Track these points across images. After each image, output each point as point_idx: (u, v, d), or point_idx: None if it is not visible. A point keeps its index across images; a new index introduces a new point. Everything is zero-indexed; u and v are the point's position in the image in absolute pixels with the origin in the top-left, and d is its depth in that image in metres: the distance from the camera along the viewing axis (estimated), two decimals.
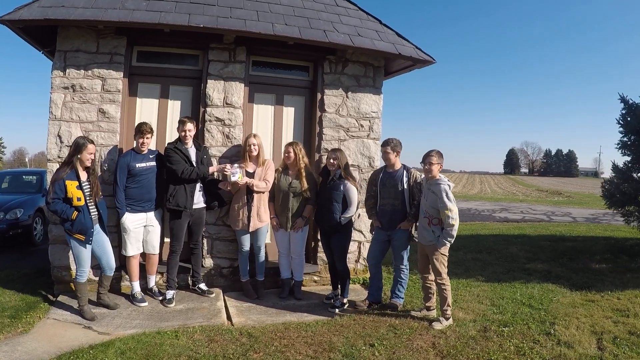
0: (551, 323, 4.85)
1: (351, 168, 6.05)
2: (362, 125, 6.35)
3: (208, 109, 5.78)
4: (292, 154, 5.38)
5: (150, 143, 5.28)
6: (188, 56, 6.01)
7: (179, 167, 5.09)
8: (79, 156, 4.60)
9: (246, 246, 5.49)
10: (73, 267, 5.10)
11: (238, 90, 5.86)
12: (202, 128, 5.77)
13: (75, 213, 4.53)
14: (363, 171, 6.33)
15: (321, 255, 6.12)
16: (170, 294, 5.27)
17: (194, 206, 5.31)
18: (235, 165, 5.24)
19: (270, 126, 6.32)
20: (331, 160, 5.25)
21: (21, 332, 4.31)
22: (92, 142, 4.73)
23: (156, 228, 5.30)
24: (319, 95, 6.21)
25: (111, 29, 5.48)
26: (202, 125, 5.77)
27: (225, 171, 5.22)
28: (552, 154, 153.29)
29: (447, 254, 4.89)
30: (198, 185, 5.34)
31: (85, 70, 5.47)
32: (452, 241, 4.76)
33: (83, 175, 4.67)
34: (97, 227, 4.81)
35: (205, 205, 5.50)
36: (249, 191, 5.37)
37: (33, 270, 6.52)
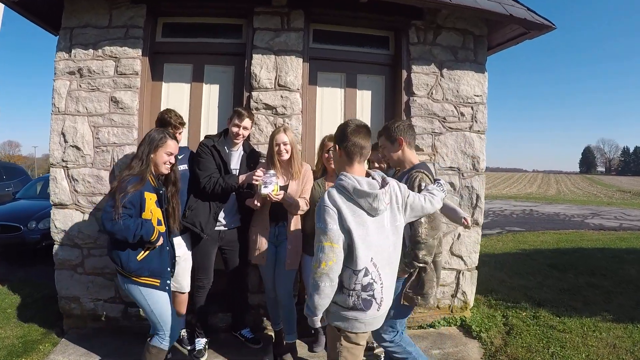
0: None
1: (450, 171, 4.52)
2: (462, 114, 4.68)
3: (254, 94, 4.36)
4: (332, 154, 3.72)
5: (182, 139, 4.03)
6: (228, 27, 4.64)
7: (203, 174, 3.72)
8: (151, 156, 3.14)
9: (271, 286, 3.96)
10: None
11: (294, 68, 4.40)
12: None
13: (157, 232, 3.04)
14: (464, 176, 4.67)
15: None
16: (200, 343, 3.94)
17: (218, 228, 3.89)
18: (271, 172, 3.62)
19: (339, 116, 4.82)
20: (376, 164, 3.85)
21: None
22: (173, 136, 3.28)
23: (186, 258, 3.87)
24: (404, 74, 4.63)
25: None
26: None
27: (255, 179, 3.64)
28: (630, 151, 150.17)
29: (357, 344, 2.47)
30: (232, 200, 3.94)
31: (95, 49, 4.31)
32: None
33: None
34: None
35: (240, 225, 4.01)
36: (275, 210, 3.81)
37: (54, 292, 5.56)
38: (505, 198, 29.80)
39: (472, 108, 4.71)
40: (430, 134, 4.59)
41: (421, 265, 2.83)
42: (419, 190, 2.73)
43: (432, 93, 4.63)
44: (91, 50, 4.29)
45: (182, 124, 3.82)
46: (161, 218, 3.12)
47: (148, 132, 3.24)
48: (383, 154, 3.20)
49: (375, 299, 2.33)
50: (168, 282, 3.20)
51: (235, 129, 3.77)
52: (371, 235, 2.30)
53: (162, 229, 3.11)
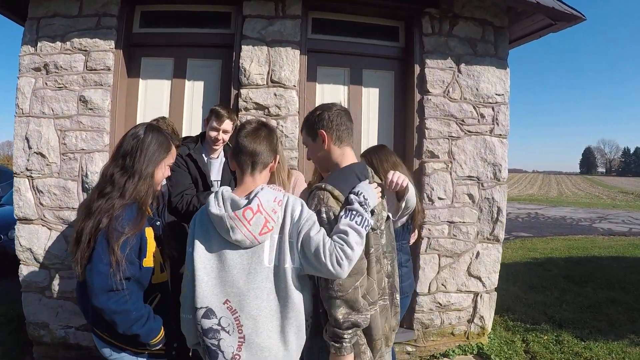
0: None
1: (468, 181, 3.99)
2: (482, 115, 4.13)
3: (243, 91, 3.79)
4: None
5: None
6: (214, 15, 4.10)
7: (174, 191, 3.08)
8: (154, 171, 2.13)
9: None
10: None
11: (290, 61, 3.84)
12: None
13: (162, 336, 2.05)
14: (484, 186, 4.11)
15: (419, 315, 4.08)
16: None
17: None
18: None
19: None
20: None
21: None
22: (173, 140, 2.30)
23: None
24: (416, 69, 4.08)
25: None
26: None
27: None
28: (631, 152, 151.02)
29: None
30: None
31: (63, 42, 3.78)
32: None
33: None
34: None
35: None
36: None
37: None
38: (508, 200, 29.37)
39: (492, 109, 4.15)
40: (446, 139, 4.03)
41: (352, 330, 1.77)
42: (324, 225, 1.83)
43: (448, 91, 4.07)
44: (59, 43, 3.75)
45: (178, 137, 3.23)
46: (162, 262, 2.14)
47: (138, 136, 2.08)
48: (308, 157, 2.29)
49: (222, 352, 1.72)
50: (175, 345, 2.19)
51: (213, 133, 3.16)
52: (230, 272, 1.75)
53: (165, 277, 2.16)
